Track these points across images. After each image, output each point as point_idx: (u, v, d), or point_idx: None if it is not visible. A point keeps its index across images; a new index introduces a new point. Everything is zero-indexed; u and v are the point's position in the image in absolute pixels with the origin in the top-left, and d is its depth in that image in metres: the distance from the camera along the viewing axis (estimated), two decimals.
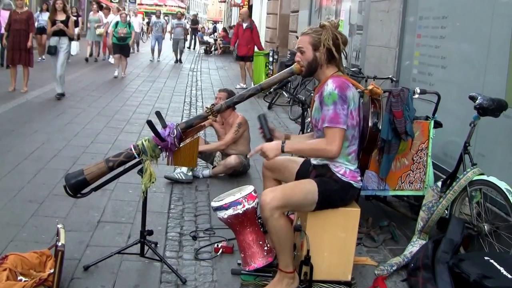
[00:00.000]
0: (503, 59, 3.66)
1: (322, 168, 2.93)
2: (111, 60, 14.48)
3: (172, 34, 18.12)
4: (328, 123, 2.74)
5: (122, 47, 12.60)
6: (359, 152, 3.04)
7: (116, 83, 11.46)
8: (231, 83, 12.51)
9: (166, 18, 32.04)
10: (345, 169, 2.89)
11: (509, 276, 2.66)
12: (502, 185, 3.05)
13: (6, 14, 10.34)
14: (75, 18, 12.56)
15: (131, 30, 12.94)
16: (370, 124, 2.93)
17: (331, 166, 2.89)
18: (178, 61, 17.36)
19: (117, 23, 12.81)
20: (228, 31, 24.26)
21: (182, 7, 51.60)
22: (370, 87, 2.99)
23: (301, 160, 3.34)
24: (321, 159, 2.94)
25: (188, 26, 22.14)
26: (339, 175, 2.88)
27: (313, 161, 3.03)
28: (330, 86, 2.78)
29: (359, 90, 3.03)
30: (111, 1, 30.81)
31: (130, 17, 16.30)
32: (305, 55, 2.92)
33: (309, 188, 2.83)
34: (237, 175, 5.10)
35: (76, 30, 14.11)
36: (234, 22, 29.31)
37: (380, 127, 3.01)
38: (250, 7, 23.45)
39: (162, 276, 3.08)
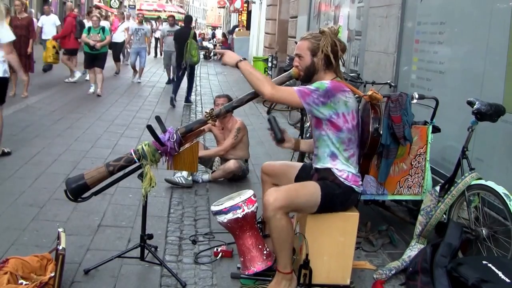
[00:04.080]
0: (501, 64, 3.69)
1: (324, 172, 2.95)
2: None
3: (163, 45, 12.88)
4: (299, 87, 2.82)
5: (95, 57, 10.42)
6: (360, 157, 3.06)
7: (115, 88, 11.48)
8: (230, 88, 12.55)
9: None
10: (347, 173, 2.92)
11: (507, 280, 2.67)
12: (500, 189, 3.07)
13: None
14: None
15: (106, 36, 10.61)
16: (371, 129, 2.96)
17: (334, 170, 2.92)
18: (171, 81, 12.66)
19: (89, 29, 10.62)
20: (227, 36, 24.35)
21: (181, 13, 51.68)
22: (369, 92, 3.01)
23: (300, 165, 3.37)
24: (323, 163, 2.96)
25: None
26: (342, 179, 2.90)
27: (315, 165, 3.05)
28: (324, 81, 2.85)
29: (357, 96, 3.06)
30: (111, 7, 30.93)
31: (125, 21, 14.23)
32: (303, 60, 2.95)
33: (312, 190, 2.85)
34: (236, 179, 5.12)
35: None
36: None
37: (381, 132, 3.03)
38: (249, 13, 23.58)
39: (162, 280, 3.09)
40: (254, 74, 2.87)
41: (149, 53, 13.63)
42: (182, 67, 9.71)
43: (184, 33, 9.89)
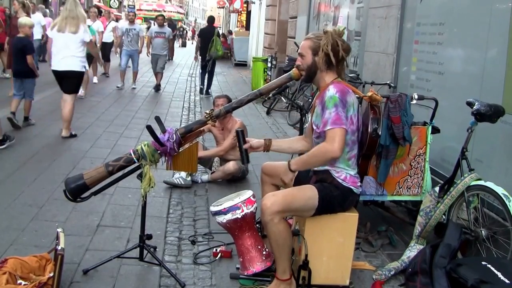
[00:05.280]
0: (500, 65, 3.69)
1: (322, 174, 2.95)
2: (95, 80, 11.68)
3: (151, 48, 11.65)
4: (331, 125, 2.75)
5: None
6: (358, 158, 3.06)
7: (114, 89, 11.45)
8: (230, 89, 12.56)
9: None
10: (345, 174, 2.92)
11: (506, 281, 2.67)
12: (499, 190, 3.07)
13: None
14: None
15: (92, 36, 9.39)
16: (369, 130, 2.96)
17: (332, 172, 2.92)
18: (156, 87, 11.58)
19: None
20: (227, 36, 24.34)
21: (181, 13, 51.67)
22: (369, 93, 3.02)
23: None
24: (322, 165, 2.96)
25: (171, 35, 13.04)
26: (340, 180, 2.90)
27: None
28: (331, 91, 2.82)
29: (357, 96, 3.06)
30: (110, 7, 30.90)
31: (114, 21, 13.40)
32: (305, 59, 2.96)
33: (309, 193, 2.85)
34: (236, 180, 5.11)
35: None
36: (233, 28, 29.40)
37: (380, 133, 3.03)
38: (248, 13, 23.58)
39: (161, 280, 3.09)
40: (311, 157, 2.85)
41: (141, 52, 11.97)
42: (206, 60, 11.42)
43: (208, 31, 11.79)
